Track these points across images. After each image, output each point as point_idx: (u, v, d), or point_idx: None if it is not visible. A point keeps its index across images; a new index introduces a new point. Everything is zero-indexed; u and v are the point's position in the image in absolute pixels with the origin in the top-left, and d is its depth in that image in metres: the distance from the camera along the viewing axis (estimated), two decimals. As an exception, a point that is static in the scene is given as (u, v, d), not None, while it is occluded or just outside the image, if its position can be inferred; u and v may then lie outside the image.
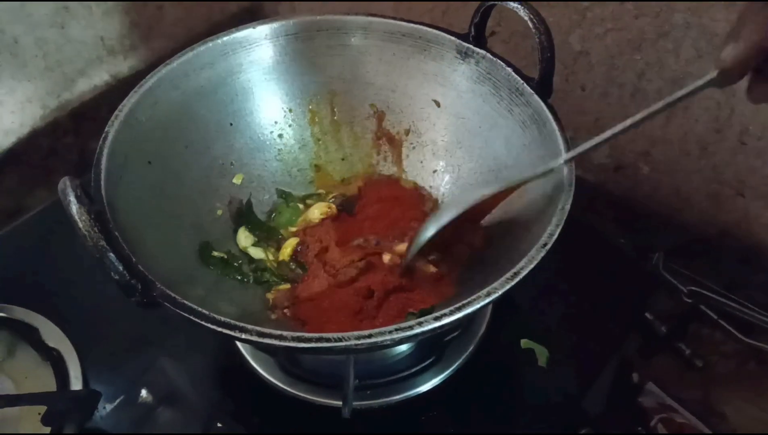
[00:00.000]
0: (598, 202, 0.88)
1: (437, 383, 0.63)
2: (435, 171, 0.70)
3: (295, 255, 0.65)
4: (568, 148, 0.52)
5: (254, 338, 0.41)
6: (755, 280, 0.79)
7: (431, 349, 0.65)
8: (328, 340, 0.41)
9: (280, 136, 0.70)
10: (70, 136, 0.88)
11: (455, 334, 0.65)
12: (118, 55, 0.90)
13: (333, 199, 0.71)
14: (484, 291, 0.43)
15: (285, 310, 0.60)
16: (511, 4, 0.56)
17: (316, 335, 0.41)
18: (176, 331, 0.66)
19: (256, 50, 0.66)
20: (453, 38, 0.64)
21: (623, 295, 0.72)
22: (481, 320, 0.68)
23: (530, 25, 0.55)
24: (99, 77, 0.89)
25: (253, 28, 0.65)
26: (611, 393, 0.74)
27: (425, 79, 0.67)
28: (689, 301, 0.77)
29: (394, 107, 0.70)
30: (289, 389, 0.62)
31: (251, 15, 1.05)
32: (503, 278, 0.44)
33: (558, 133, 0.53)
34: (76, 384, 0.62)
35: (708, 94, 0.71)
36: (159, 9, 0.92)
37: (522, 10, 0.55)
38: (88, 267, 0.61)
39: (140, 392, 0.63)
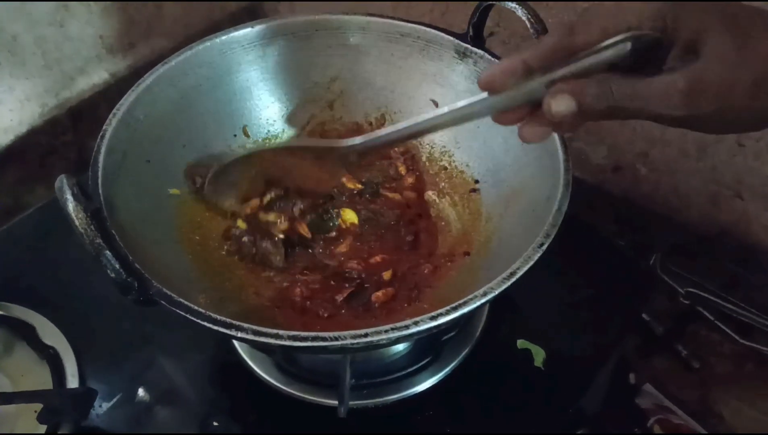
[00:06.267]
0: (597, 203, 0.88)
1: (434, 383, 0.63)
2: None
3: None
4: (565, 148, 0.52)
5: (250, 337, 0.41)
6: (753, 282, 0.79)
7: (428, 348, 0.65)
8: (323, 338, 0.41)
9: (279, 136, 0.70)
10: (68, 134, 0.88)
11: (452, 333, 0.65)
12: (117, 54, 0.89)
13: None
14: (481, 290, 0.43)
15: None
16: (509, 4, 0.56)
17: (312, 334, 0.41)
18: (173, 329, 0.66)
19: (255, 49, 0.66)
20: (451, 38, 0.63)
21: (621, 296, 0.72)
22: (477, 320, 0.68)
23: (528, 25, 0.55)
24: (98, 75, 0.89)
25: (252, 27, 0.65)
26: (608, 394, 0.74)
27: (424, 79, 0.67)
28: (687, 302, 0.77)
29: (392, 107, 0.70)
30: (285, 388, 0.62)
31: (251, 14, 1.05)
32: (500, 278, 0.44)
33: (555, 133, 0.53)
34: (72, 382, 0.62)
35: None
36: (158, 8, 0.91)
37: (520, 10, 0.55)
38: (86, 265, 0.60)
39: (136, 390, 0.63)
